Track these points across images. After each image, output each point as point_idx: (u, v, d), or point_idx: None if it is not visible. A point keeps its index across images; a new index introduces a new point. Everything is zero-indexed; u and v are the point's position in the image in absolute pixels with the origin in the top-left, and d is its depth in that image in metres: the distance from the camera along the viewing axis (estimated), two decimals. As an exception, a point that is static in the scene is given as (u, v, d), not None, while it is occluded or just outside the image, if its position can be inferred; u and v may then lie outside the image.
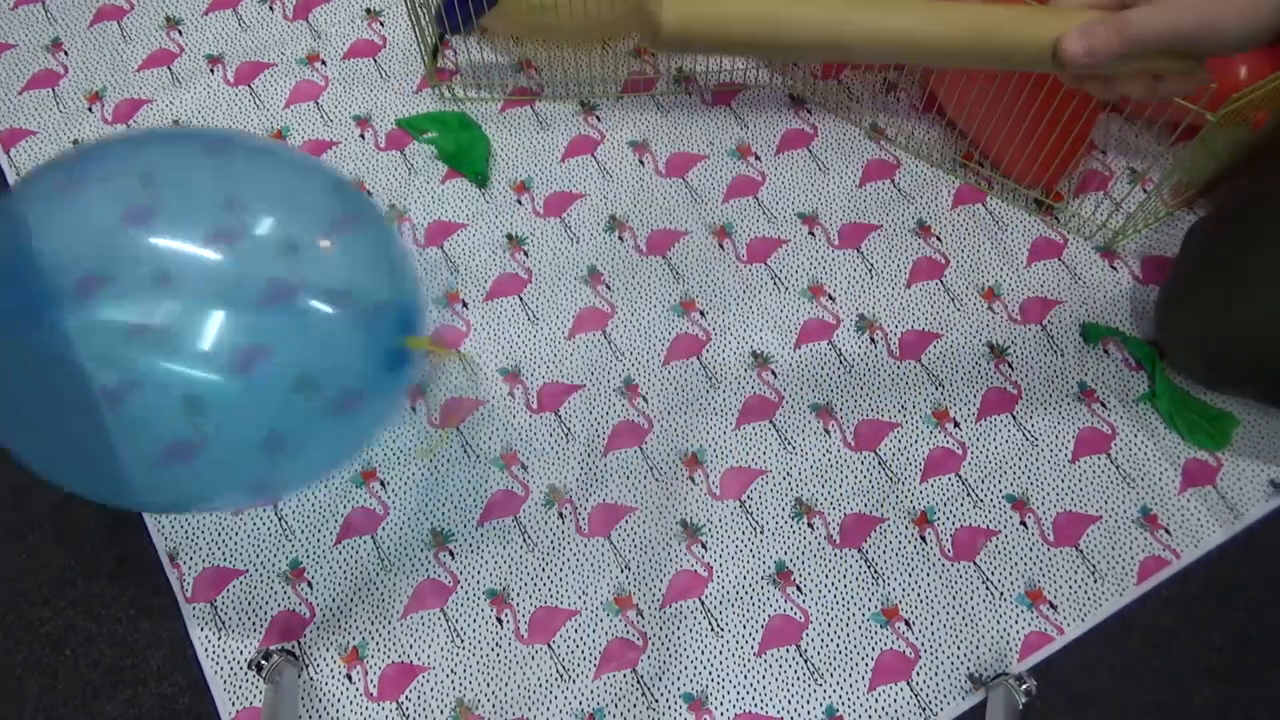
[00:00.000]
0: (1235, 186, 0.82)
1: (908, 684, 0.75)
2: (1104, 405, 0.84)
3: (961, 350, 0.87)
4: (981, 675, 0.75)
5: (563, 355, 0.86)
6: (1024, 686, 0.70)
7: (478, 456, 0.82)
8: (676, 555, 0.78)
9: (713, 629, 0.76)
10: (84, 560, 0.79)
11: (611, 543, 0.79)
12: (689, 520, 0.80)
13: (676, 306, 0.88)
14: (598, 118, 0.97)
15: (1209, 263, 0.79)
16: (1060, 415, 0.84)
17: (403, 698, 0.74)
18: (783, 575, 0.78)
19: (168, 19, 1.02)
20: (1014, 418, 0.84)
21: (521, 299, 0.89)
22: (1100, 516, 0.80)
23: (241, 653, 0.75)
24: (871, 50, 0.57)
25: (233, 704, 0.74)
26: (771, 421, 0.84)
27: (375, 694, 0.74)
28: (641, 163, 0.95)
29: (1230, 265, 0.76)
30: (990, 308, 0.89)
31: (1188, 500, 0.81)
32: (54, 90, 0.98)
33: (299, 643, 0.75)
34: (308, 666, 0.75)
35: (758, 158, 0.95)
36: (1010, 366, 0.86)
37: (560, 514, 0.80)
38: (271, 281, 0.57)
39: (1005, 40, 0.54)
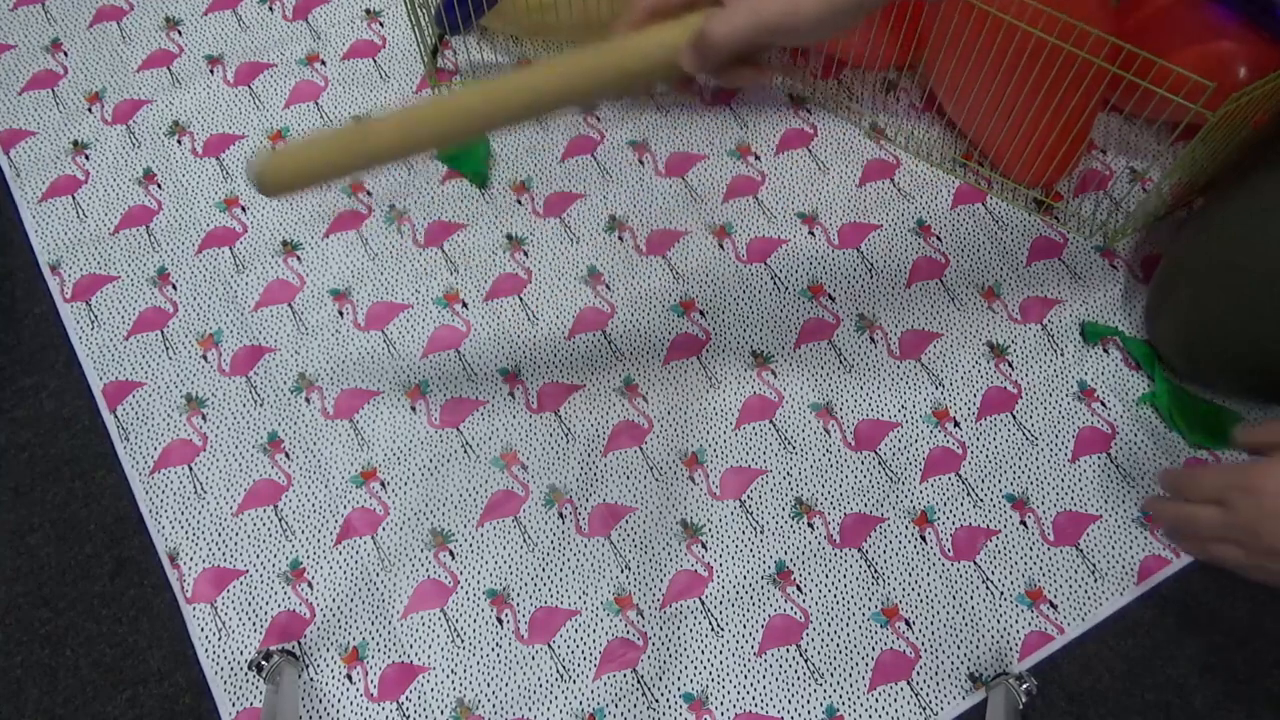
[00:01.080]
0: (1218, 186, 0.83)
1: (908, 684, 0.75)
2: (1104, 405, 0.84)
3: (961, 350, 0.87)
4: (982, 675, 0.75)
5: (563, 355, 0.86)
6: (1024, 686, 0.70)
7: (478, 456, 0.82)
8: (676, 555, 0.78)
9: (713, 629, 0.76)
10: (84, 560, 0.79)
11: (611, 543, 0.79)
12: (689, 520, 0.80)
13: (676, 306, 0.88)
14: (597, 118, 0.97)
15: (1186, 260, 0.81)
16: (1060, 414, 0.84)
17: (403, 698, 0.74)
18: (783, 575, 0.78)
19: (167, 19, 1.02)
20: (1014, 417, 0.84)
21: (521, 299, 0.88)
22: (1100, 516, 0.80)
23: (241, 653, 0.75)
24: (525, 115, 0.63)
25: (233, 704, 0.74)
26: (771, 421, 0.84)
27: (375, 694, 0.74)
28: (641, 163, 0.95)
29: (1203, 262, 0.78)
30: (990, 307, 0.89)
31: (1188, 500, 0.81)
32: (54, 91, 0.98)
33: (299, 643, 0.75)
34: (308, 667, 0.75)
35: (757, 158, 0.95)
36: (1010, 366, 0.86)
37: (560, 514, 0.80)
38: None
39: (639, 65, 0.62)
